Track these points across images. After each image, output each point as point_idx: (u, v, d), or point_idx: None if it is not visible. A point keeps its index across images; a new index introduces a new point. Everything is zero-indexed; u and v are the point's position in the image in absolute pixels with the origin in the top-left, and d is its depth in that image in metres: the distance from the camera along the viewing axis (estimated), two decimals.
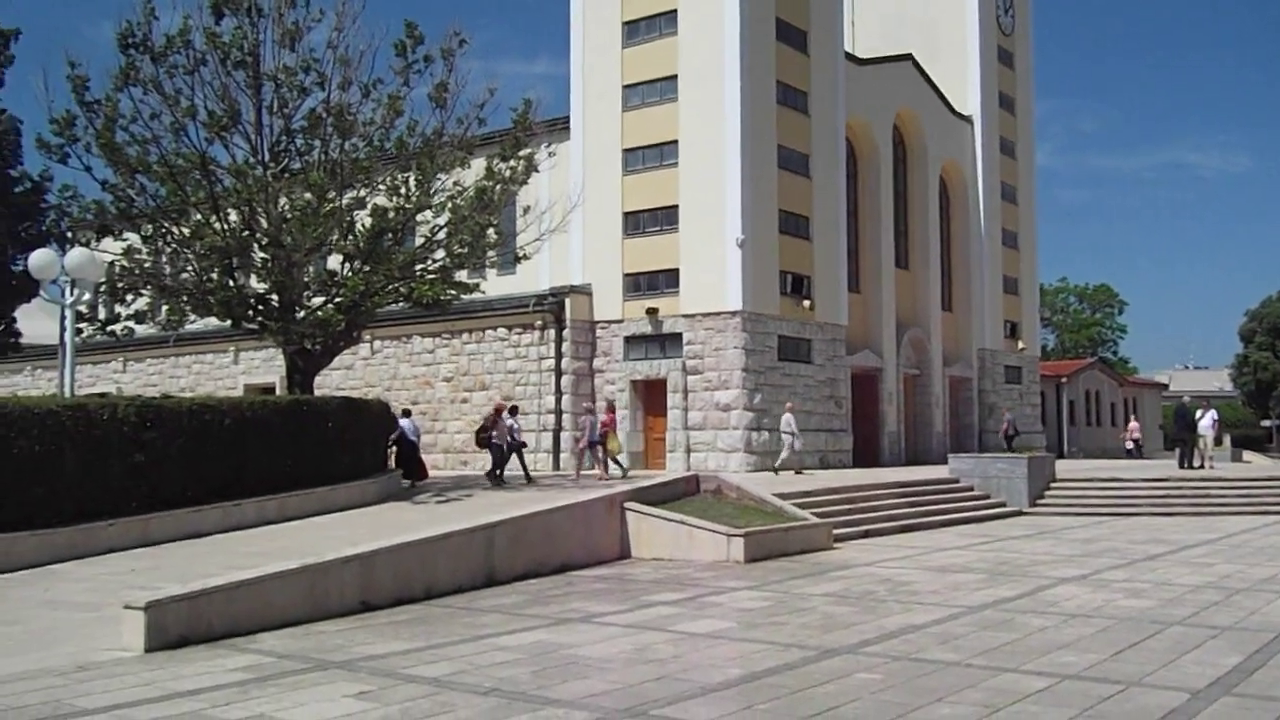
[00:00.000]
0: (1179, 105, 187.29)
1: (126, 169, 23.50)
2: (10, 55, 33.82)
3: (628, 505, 18.91)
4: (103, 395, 20.67)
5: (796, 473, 30.39)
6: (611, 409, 29.13)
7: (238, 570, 12.56)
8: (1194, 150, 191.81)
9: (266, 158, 24.44)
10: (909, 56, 45.29)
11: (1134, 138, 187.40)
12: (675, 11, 35.38)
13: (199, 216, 24.13)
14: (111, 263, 24.74)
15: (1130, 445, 53.57)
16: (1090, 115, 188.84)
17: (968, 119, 48.59)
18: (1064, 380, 62.69)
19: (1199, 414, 33.67)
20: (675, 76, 35.21)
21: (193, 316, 25.56)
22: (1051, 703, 8.30)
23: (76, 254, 20.01)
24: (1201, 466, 32.50)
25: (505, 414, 26.88)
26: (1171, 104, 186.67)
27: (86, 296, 20.37)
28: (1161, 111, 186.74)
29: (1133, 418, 61.34)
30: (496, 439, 26.17)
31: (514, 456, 26.94)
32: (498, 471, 25.97)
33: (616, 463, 27.74)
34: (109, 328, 24.79)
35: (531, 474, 27.22)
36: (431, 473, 28.83)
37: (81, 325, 23.66)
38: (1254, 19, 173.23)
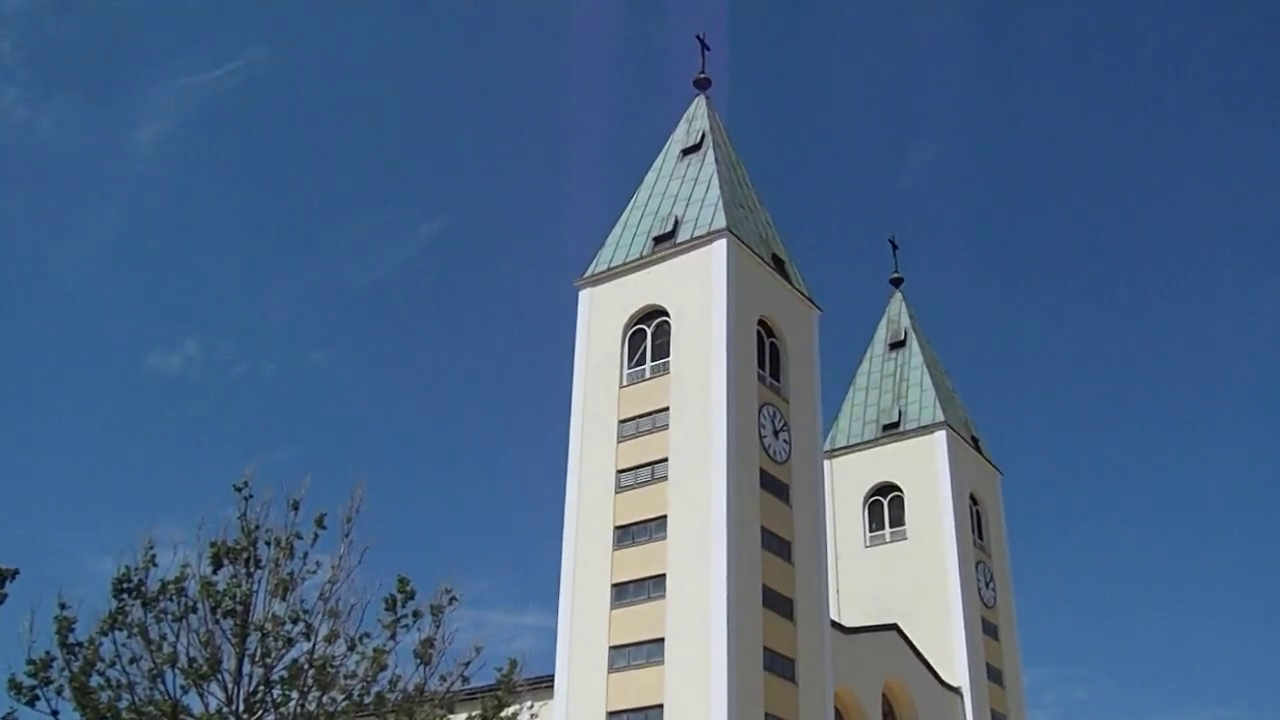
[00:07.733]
0: (1171, 671, 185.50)
1: (95, 714, 22.78)
2: (4, 594, 33.87)
3: None
4: None
5: None
6: None
7: None
8: None
9: (241, 708, 23.74)
10: (894, 626, 45.77)
11: (1131, 707, 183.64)
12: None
13: None
14: None
15: None
16: (1083, 683, 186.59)
17: (957, 690, 48.05)
18: None
19: None
20: (662, 639, 35.34)
21: None
22: None
23: None
24: None
25: None
26: (1163, 669, 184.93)
27: None
28: (1154, 678, 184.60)
29: None
30: None
31: None
32: None
33: None
34: None
35: None
36: None
37: None
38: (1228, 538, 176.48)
